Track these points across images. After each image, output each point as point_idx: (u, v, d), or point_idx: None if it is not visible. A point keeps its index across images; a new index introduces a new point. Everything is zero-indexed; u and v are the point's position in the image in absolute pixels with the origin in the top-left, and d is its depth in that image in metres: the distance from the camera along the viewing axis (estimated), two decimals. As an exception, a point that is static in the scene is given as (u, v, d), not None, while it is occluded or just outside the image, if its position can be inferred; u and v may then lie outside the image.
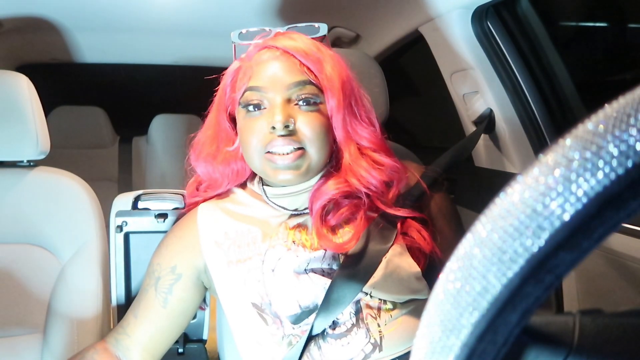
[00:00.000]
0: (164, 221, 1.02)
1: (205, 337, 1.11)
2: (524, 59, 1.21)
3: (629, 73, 1.37)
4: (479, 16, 1.18)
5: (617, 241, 0.93)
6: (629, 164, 0.19)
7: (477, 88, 1.24)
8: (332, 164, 0.85)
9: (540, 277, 0.20)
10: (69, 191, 1.12)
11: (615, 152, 0.19)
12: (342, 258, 0.80)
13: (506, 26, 1.20)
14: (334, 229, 0.82)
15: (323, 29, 0.87)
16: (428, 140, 2.31)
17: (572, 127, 0.21)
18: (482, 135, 1.28)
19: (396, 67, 1.99)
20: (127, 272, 1.06)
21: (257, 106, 0.80)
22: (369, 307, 0.77)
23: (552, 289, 0.21)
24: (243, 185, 0.92)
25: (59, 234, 1.11)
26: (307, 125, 0.78)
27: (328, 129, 0.81)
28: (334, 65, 0.81)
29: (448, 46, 1.24)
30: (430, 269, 0.82)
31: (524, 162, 1.21)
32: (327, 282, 0.77)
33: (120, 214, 1.04)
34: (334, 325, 0.77)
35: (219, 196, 0.92)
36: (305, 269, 0.79)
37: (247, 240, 0.83)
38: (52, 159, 1.16)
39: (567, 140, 0.21)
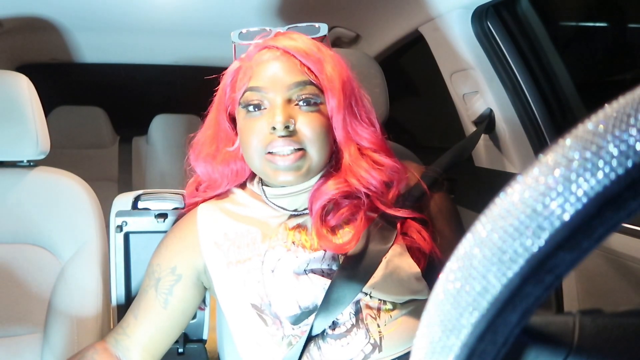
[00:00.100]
0: (164, 221, 1.02)
1: (205, 337, 1.11)
2: (524, 59, 1.21)
3: (629, 73, 1.37)
4: (479, 16, 1.18)
5: (617, 241, 0.93)
6: (629, 164, 0.19)
7: (477, 88, 1.24)
8: (332, 164, 0.85)
9: (540, 277, 0.20)
10: (69, 191, 1.12)
11: (615, 152, 0.19)
12: (341, 258, 0.80)
13: (506, 26, 1.20)
14: (333, 230, 0.82)
15: (323, 29, 0.87)
16: (428, 140, 2.31)
17: (572, 127, 0.21)
18: (482, 135, 1.28)
19: (396, 67, 1.99)
20: (127, 272, 1.06)
21: (258, 106, 0.79)
22: (368, 307, 0.77)
23: (552, 289, 0.21)
24: (242, 186, 0.92)
25: (59, 234, 1.11)
26: (307, 125, 0.78)
27: (328, 130, 0.81)
28: (334, 65, 0.81)
29: (448, 46, 1.24)
30: (430, 269, 0.82)
31: (524, 162, 1.21)
32: (326, 282, 0.77)
33: (120, 214, 1.04)
34: (334, 325, 0.77)
35: (219, 196, 0.92)
36: (304, 270, 0.79)
37: (246, 241, 0.83)
38: (52, 159, 1.16)
39: (567, 140, 0.21)
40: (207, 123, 0.89)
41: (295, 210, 0.85)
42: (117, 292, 1.06)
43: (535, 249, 0.20)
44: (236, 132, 0.86)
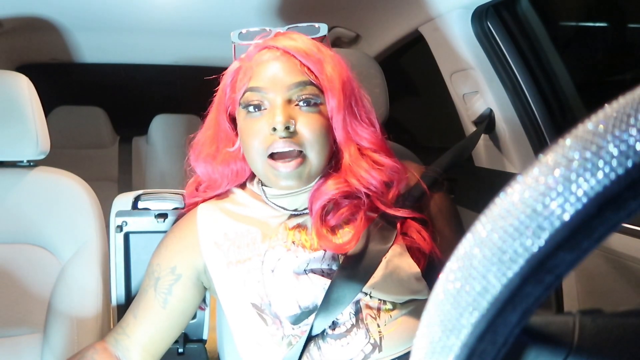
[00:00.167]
0: (164, 221, 1.03)
1: (205, 337, 1.11)
2: (524, 59, 1.21)
3: (629, 73, 1.37)
4: (479, 16, 1.18)
5: (617, 241, 0.93)
6: (629, 164, 0.19)
7: (477, 88, 1.24)
8: (332, 164, 0.85)
9: (540, 277, 0.20)
10: (69, 191, 1.12)
11: (615, 152, 0.19)
12: (341, 258, 0.80)
13: (506, 26, 1.20)
14: (333, 230, 0.82)
15: (323, 29, 0.87)
16: (428, 140, 2.31)
17: (572, 127, 0.21)
18: (482, 135, 1.28)
19: (396, 67, 1.99)
20: (127, 272, 1.06)
21: (258, 107, 0.79)
22: (368, 307, 0.77)
23: (552, 289, 0.21)
24: (242, 186, 0.92)
25: (59, 234, 1.11)
26: (307, 127, 0.78)
27: (328, 131, 0.81)
28: (334, 65, 0.81)
29: (448, 46, 1.24)
30: (430, 269, 0.82)
31: (524, 162, 1.21)
32: (326, 282, 0.77)
33: (120, 214, 1.04)
34: (334, 325, 0.77)
35: (219, 196, 0.92)
36: (304, 270, 0.79)
37: (246, 241, 0.83)
38: (52, 159, 1.16)
39: (567, 140, 0.21)
40: (207, 123, 0.89)
41: (295, 210, 0.85)
42: (117, 292, 1.06)
43: (535, 249, 0.20)
44: (236, 132, 0.86)
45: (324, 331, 0.77)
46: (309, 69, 0.79)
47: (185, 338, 1.08)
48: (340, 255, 0.80)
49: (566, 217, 0.20)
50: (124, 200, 1.06)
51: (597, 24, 1.48)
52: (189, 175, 0.94)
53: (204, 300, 1.01)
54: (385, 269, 0.78)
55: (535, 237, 0.20)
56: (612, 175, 0.19)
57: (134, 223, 1.03)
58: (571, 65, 1.22)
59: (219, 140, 0.88)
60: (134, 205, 1.05)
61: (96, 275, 1.10)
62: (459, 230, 0.90)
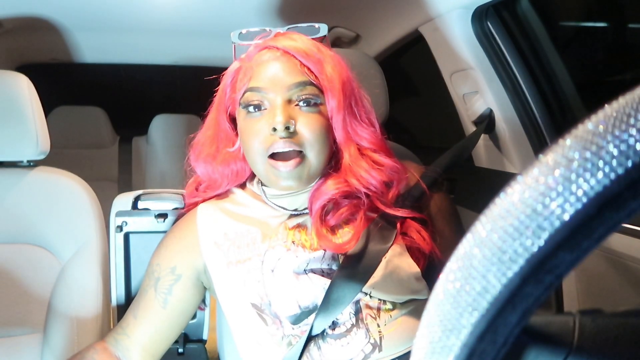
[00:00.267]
0: (164, 221, 1.03)
1: (205, 337, 1.11)
2: (524, 59, 1.21)
3: (629, 73, 1.37)
4: (479, 16, 1.18)
5: (617, 241, 0.93)
6: (629, 164, 0.19)
7: (477, 88, 1.24)
8: (332, 164, 0.85)
9: (540, 277, 0.20)
10: (69, 191, 1.12)
11: (615, 152, 0.19)
12: (341, 258, 0.80)
13: (506, 26, 1.20)
14: (333, 229, 0.82)
15: (323, 29, 0.87)
16: (428, 140, 2.31)
17: (572, 127, 0.21)
18: (482, 135, 1.28)
19: (396, 67, 1.99)
20: (127, 272, 1.06)
21: (258, 107, 0.79)
22: (368, 307, 0.77)
23: (552, 289, 0.21)
24: (242, 186, 0.92)
25: (59, 234, 1.11)
26: (307, 127, 0.78)
27: (328, 131, 0.81)
28: (334, 65, 0.81)
29: (448, 46, 1.24)
30: (430, 269, 0.82)
31: (524, 162, 1.21)
32: (326, 282, 0.77)
33: (120, 214, 1.04)
34: (334, 325, 0.77)
35: (219, 196, 0.92)
36: (304, 269, 0.79)
37: (246, 241, 0.83)
38: (52, 159, 1.16)
39: (567, 140, 0.21)
40: (207, 123, 0.89)
41: (295, 210, 0.85)
42: (117, 292, 1.06)
43: (535, 249, 0.20)
44: (236, 132, 0.86)
45: (324, 331, 0.77)
46: (309, 69, 0.79)
47: (185, 338, 1.08)
48: (340, 255, 0.80)
49: (566, 217, 0.20)
50: (124, 200, 1.06)
51: (597, 24, 1.48)
52: (189, 175, 0.94)
53: (203, 301, 1.01)
54: (385, 268, 0.78)
55: (535, 237, 0.20)
56: (612, 175, 0.19)
57: (134, 223, 1.03)
58: (571, 65, 1.23)
59: (219, 141, 0.88)
60: (134, 205, 1.05)
61: (96, 276, 1.10)
62: (459, 230, 0.90)
